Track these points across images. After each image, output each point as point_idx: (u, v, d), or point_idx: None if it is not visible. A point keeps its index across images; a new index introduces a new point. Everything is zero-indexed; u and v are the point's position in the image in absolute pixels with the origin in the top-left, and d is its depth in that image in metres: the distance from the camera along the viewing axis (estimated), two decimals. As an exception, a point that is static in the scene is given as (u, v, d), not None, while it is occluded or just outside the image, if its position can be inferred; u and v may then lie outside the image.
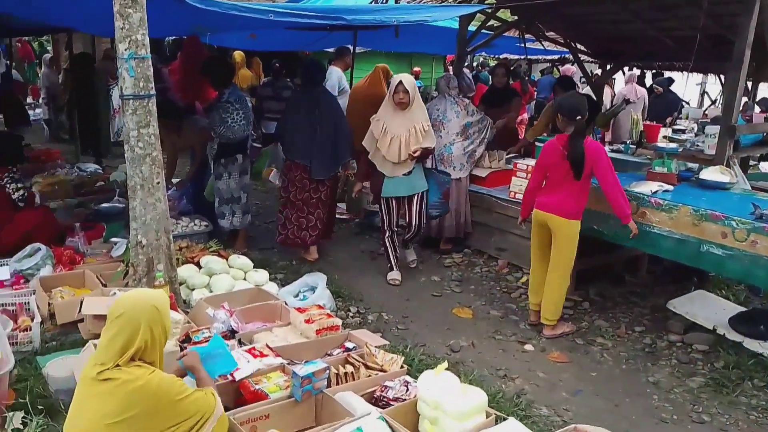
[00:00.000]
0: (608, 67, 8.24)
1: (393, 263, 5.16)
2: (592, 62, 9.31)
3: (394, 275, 5.14)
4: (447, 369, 2.89)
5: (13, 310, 3.85)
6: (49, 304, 3.90)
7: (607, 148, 7.44)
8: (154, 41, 3.68)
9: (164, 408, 2.24)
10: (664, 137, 6.91)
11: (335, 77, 7.55)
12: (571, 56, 8.59)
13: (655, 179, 4.47)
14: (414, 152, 4.75)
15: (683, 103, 9.81)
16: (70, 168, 7.29)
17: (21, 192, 4.86)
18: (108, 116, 9.37)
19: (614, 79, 10.90)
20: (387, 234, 5.13)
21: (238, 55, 9.35)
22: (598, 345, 4.23)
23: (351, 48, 8.31)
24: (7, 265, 4.37)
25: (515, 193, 5.38)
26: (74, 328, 3.78)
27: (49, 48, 15.04)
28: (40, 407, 2.91)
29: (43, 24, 7.22)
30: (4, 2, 4.67)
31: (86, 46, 10.67)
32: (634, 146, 6.62)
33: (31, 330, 3.60)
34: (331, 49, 9.01)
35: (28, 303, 3.90)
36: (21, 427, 2.78)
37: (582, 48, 7.71)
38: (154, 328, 2.27)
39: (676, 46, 6.16)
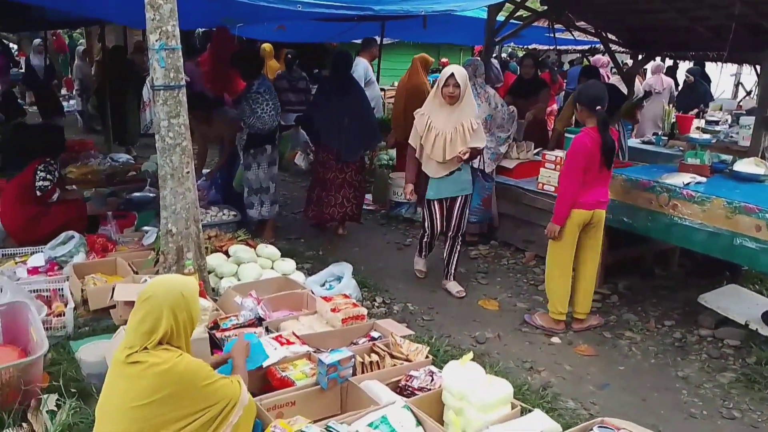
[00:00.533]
0: (640, 57, 8.08)
1: (422, 254, 5.02)
2: (623, 52, 9.13)
3: (419, 266, 5.05)
4: (472, 360, 2.88)
5: (47, 296, 3.95)
6: (82, 291, 3.98)
7: (636, 140, 7.34)
8: (184, 33, 3.72)
9: (190, 392, 2.26)
10: (697, 128, 6.77)
11: (361, 68, 7.56)
12: (601, 46, 8.45)
13: (688, 171, 4.39)
14: (463, 154, 4.37)
15: (712, 95, 9.59)
16: (103, 158, 7.46)
17: (45, 183, 4.84)
18: (137, 108, 9.51)
19: (645, 69, 10.69)
20: (426, 239, 4.87)
21: (266, 46, 9.40)
22: (627, 339, 4.18)
23: (377, 39, 8.30)
24: (42, 252, 4.48)
25: (543, 184, 5.32)
26: (106, 314, 3.86)
27: (81, 41, 15.34)
28: (73, 390, 2.98)
29: (77, 16, 7.36)
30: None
31: (118, 38, 10.86)
32: (666, 137, 6.50)
33: (64, 315, 3.69)
34: (358, 41, 9.02)
35: (62, 289, 3.99)
36: (55, 408, 2.85)
37: (613, 38, 7.56)
38: (179, 313, 2.28)
39: (711, 36, 6.00)
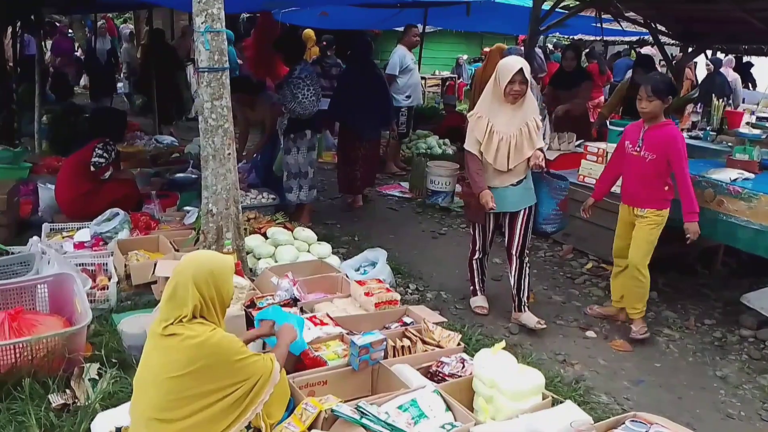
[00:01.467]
0: (689, 50, 7.85)
1: (477, 287, 4.29)
2: (672, 44, 8.88)
3: (480, 302, 4.25)
4: (504, 349, 2.87)
5: (92, 270, 4.08)
6: (125, 266, 4.12)
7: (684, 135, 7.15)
8: (229, 18, 3.77)
9: (223, 366, 2.29)
10: (747, 124, 6.55)
11: (397, 56, 7.48)
12: (650, 38, 8.23)
13: (735, 166, 4.27)
14: (541, 160, 3.78)
15: (731, 88, 9.31)
16: (148, 139, 7.64)
17: (100, 160, 5.04)
18: (178, 91, 9.69)
19: (696, 62, 10.38)
20: (476, 256, 4.18)
21: (309, 32, 9.45)
22: (665, 336, 4.10)
23: (418, 26, 8.23)
24: (88, 228, 4.63)
25: (584, 176, 5.23)
26: (148, 289, 3.99)
27: (122, 26, 15.66)
28: (114, 360, 3.09)
29: (126, -1, 7.54)
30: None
31: (165, 22, 11.06)
32: (714, 132, 6.31)
33: (108, 289, 3.82)
34: (400, 28, 8.99)
35: (106, 264, 4.12)
36: (97, 377, 2.97)
37: (663, 29, 7.36)
38: (205, 290, 2.29)
39: (766, 28, 5.80)
